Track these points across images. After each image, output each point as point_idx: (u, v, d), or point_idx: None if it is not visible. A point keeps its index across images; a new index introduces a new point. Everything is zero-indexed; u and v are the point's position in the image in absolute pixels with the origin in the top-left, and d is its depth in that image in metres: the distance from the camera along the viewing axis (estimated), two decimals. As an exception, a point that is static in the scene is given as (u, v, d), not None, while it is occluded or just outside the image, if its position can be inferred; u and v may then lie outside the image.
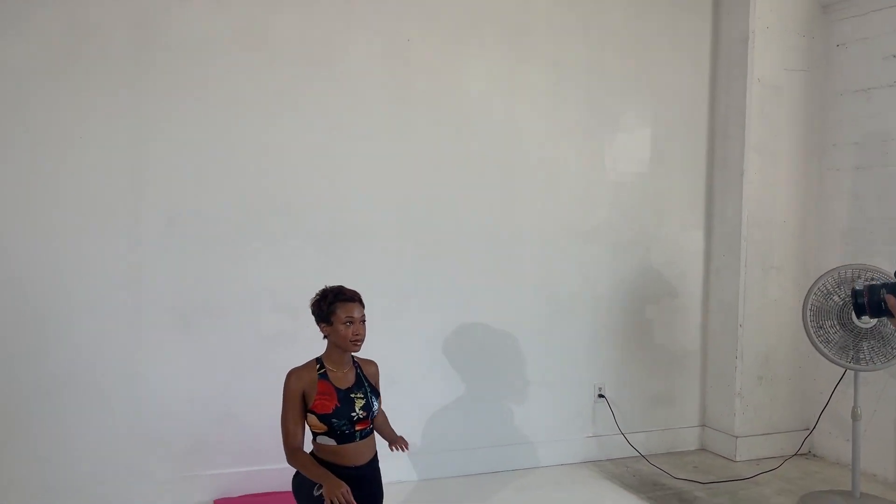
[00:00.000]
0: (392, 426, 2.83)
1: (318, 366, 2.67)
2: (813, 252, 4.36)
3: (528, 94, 3.98)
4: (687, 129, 4.39)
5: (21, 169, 3.12)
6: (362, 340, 2.66)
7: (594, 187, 4.17)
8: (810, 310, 3.51)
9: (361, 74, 3.63)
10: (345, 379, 2.67)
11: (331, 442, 2.61)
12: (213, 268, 3.41)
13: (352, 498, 2.37)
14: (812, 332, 3.50)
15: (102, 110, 3.22)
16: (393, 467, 3.48)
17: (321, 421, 2.58)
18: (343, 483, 2.40)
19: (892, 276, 3.30)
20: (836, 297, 3.47)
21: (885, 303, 1.78)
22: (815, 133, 4.34)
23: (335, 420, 2.58)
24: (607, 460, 4.20)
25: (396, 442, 2.78)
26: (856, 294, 1.84)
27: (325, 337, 2.71)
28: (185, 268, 3.37)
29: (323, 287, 2.72)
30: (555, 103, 4.04)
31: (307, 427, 2.65)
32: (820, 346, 3.48)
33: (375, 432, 2.73)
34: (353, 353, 2.73)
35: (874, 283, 1.80)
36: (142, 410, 3.31)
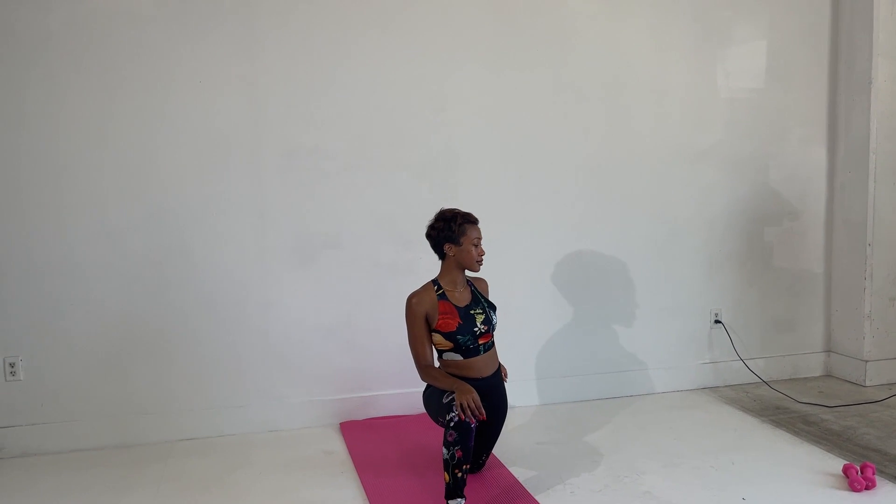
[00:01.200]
0: (499, 354, 2.91)
1: (435, 287, 2.75)
2: (951, 163, 4.05)
3: (633, 9, 3.84)
4: (807, 38, 4.13)
5: (153, 112, 3.31)
6: (482, 261, 2.78)
7: (706, 106, 4.00)
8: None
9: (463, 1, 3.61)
10: (462, 297, 2.76)
11: (457, 357, 2.71)
12: (329, 202, 3.53)
13: (480, 403, 2.45)
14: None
15: (219, 54, 3.35)
16: (509, 392, 3.57)
17: (447, 339, 2.68)
18: (472, 389, 2.49)
19: None
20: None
21: None
22: (953, 33, 3.99)
23: (460, 336, 2.67)
24: (725, 386, 4.12)
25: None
26: None
27: (443, 258, 2.79)
28: (303, 202, 3.50)
29: (440, 210, 2.80)
30: (661, 18, 3.89)
31: (434, 347, 2.75)
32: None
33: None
34: (466, 273, 2.82)
35: None
36: (271, 337, 3.51)
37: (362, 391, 3.63)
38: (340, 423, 3.58)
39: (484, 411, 2.48)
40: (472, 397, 2.46)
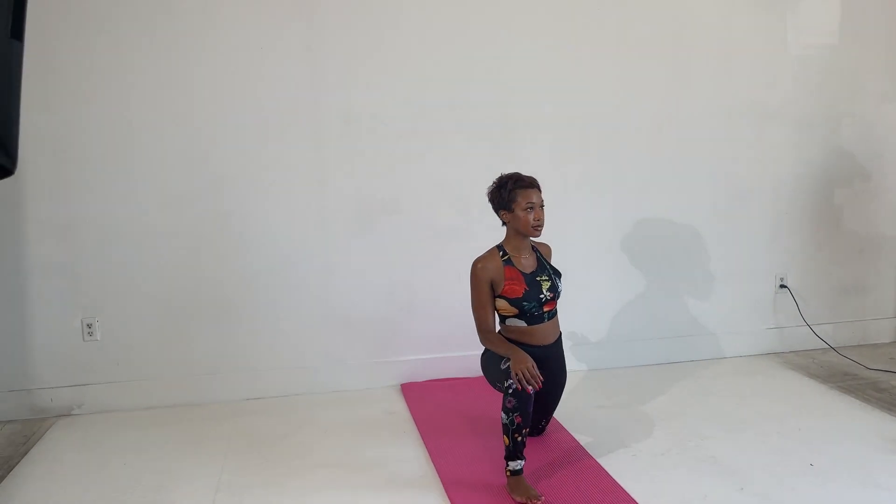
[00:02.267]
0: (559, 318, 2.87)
1: (500, 253, 2.74)
2: None
3: (699, -36, 3.72)
4: (884, -11, 3.93)
5: (217, 80, 3.36)
6: (542, 225, 2.70)
7: (775, 63, 3.86)
8: None
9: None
10: (528, 264, 2.74)
11: (521, 324, 2.71)
12: (387, 167, 3.55)
13: (537, 372, 2.45)
14: None
15: (279, 19, 3.37)
16: (571, 356, 3.56)
17: (512, 305, 2.67)
18: (529, 357, 2.48)
19: None
20: None
21: None
22: None
23: (525, 303, 2.66)
24: (790, 352, 4.03)
25: None
26: None
27: (504, 224, 2.77)
28: (361, 168, 3.53)
29: (499, 175, 2.76)
30: (729, -29, 3.75)
31: (497, 312, 2.75)
32: None
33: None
34: (531, 239, 2.79)
35: None
36: (333, 301, 3.57)
37: (422, 353, 3.68)
38: (401, 385, 3.64)
39: (541, 378, 2.46)
40: (528, 366, 2.44)
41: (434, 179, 3.59)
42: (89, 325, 3.40)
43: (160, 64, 3.31)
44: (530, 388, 2.42)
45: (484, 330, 2.70)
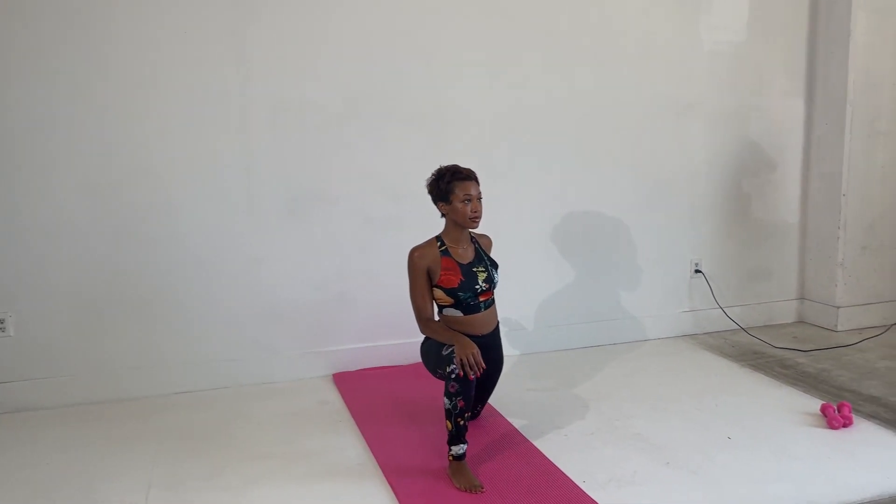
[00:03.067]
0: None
1: (438, 243, 2.77)
2: (924, 115, 4.17)
3: (620, -38, 3.85)
4: (788, -10, 4.18)
5: (135, 66, 3.24)
6: (480, 217, 2.75)
7: (689, 59, 4.04)
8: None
9: (450, -48, 3.57)
10: (465, 255, 2.78)
11: (457, 313, 2.75)
12: (317, 155, 3.51)
13: (480, 359, 2.50)
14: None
15: (203, 3, 3.28)
16: (504, 342, 3.63)
17: (448, 294, 2.71)
18: (473, 344, 2.53)
19: None
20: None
21: None
22: (930, -14, 4.07)
23: (461, 293, 2.70)
24: (704, 333, 4.26)
25: None
26: None
27: (443, 215, 2.80)
28: (291, 156, 3.48)
29: (438, 167, 2.79)
30: (647, -30, 3.89)
31: (434, 301, 2.78)
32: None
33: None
34: (472, 230, 2.83)
35: None
36: (263, 292, 3.52)
37: (355, 343, 3.68)
38: (334, 375, 3.63)
39: (483, 366, 2.52)
40: (472, 352, 2.49)
41: (366, 168, 3.58)
42: (1, 321, 3.23)
43: (76, 48, 3.16)
44: (472, 374, 2.46)
45: (423, 319, 2.73)
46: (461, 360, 2.46)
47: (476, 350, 2.50)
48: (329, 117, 3.50)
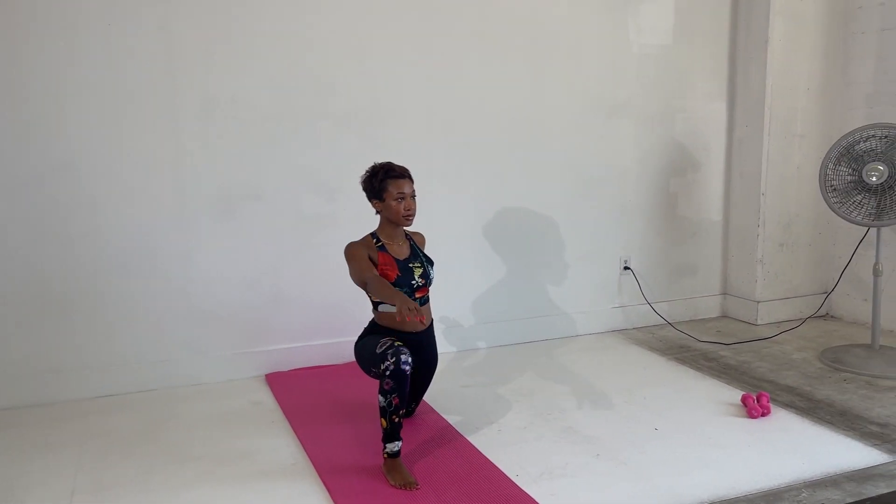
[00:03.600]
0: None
1: (374, 240, 2.77)
2: (837, 118, 4.38)
3: (552, -35, 3.91)
4: (711, -3, 4.33)
5: (57, 58, 3.11)
6: (413, 215, 2.75)
7: (619, 61, 4.15)
8: (827, 176, 3.62)
9: (384, -51, 3.56)
10: (401, 251, 2.78)
11: (392, 309, 2.73)
12: (249, 152, 3.45)
13: (420, 313, 2.40)
14: (829, 195, 3.62)
15: (128, -6, 3.18)
16: (440, 339, 3.65)
17: (385, 290, 2.69)
18: (412, 301, 2.46)
19: None
20: (848, 162, 3.56)
21: None
22: (841, -4, 4.29)
23: (397, 289, 2.69)
24: (633, 328, 4.38)
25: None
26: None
27: (377, 213, 2.79)
28: (222, 153, 3.41)
29: (372, 164, 2.79)
30: (578, -26, 3.97)
31: (369, 298, 2.77)
32: (838, 210, 3.60)
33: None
34: (406, 228, 2.83)
35: None
36: (194, 290, 3.44)
37: (288, 343, 3.63)
38: (266, 375, 3.58)
39: (422, 316, 2.42)
40: (413, 307, 2.38)
41: (299, 165, 3.54)
42: None
43: (-8, 36, 3.02)
44: (415, 316, 2.36)
45: (368, 279, 2.59)
46: (404, 309, 2.36)
47: (415, 305, 2.42)
48: (262, 114, 3.45)
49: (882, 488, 2.44)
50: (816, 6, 4.24)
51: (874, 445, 2.75)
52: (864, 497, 2.38)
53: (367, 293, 2.76)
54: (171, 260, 3.39)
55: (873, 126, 3.52)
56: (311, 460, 2.67)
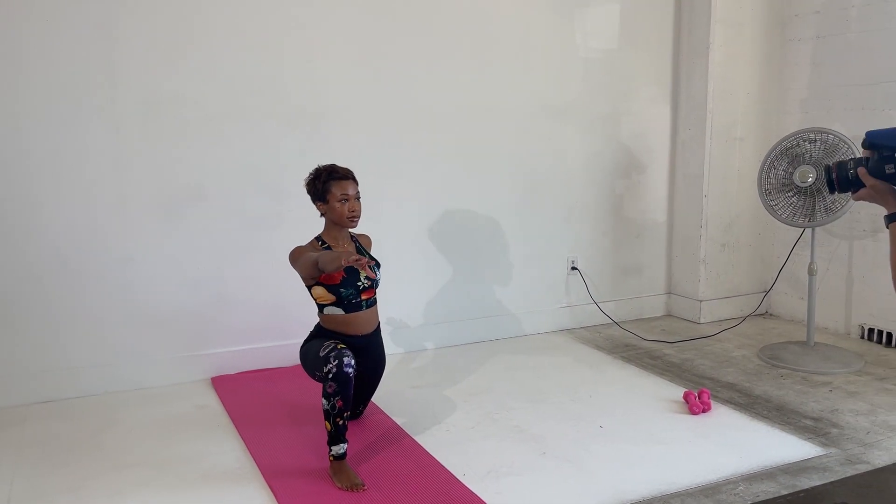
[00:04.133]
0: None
1: (319, 242, 2.75)
2: (775, 122, 4.53)
3: (499, -32, 3.94)
4: (654, 4, 4.42)
5: (-13, 53, 3.02)
6: (358, 217, 2.75)
7: (566, 64, 4.20)
8: (763, 178, 3.74)
9: (331, -52, 3.55)
10: (345, 251, 2.76)
11: (338, 312, 2.73)
12: (193, 152, 3.40)
13: (361, 257, 2.38)
14: (766, 197, 3.75)
15: (66, -11, 3.10)
16: (389, 341, 3.65)
17: (330, 292, 2.69)
18: (352, 252, 2.43)
19: (843, 137, 3.50)
20: (784, 166, 3.69)
21: (855, 174, 1.83)
22: (777, 3, 4.42)
23: (343, 290, 2.69)
24: (581, 328, 4.44)
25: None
26: (827, 170, 1.89)
27: (322, 215, 2.78)
28: (165, 152, 3.35)
29: (316, 166, 2.77)
30: (525, -23, 4.02)
31: (315, 301, 2.76)
32: (776, 212, 3.73)
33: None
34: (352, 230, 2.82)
35: (843, 159, 1.87)
36: (135, 294, 3.37)
37: (234, 345, 3.58)
38: (212, 378, 3.52)
39: (364, 260, 2.38)
40: (350, 256, 2.35)
41: (244, 165, 3.49)
42: None
43: (-80, 29, 2.91)
44: (357, 261, 2.34)
45: (317, 258, 2.51)
46: (350, 260, 2.33)
47: (350, 251, 2.41)
48: (206, 113, 3.39)
49: (815, 480, 2.53)
50: (754, 14, 4.37)
51: (808, 439, 2.85)
52: (798, 489, 2.47)
53: (315, 300, 2.75)
54: (112, 262, 3.31)
55: (807, 131, 3.65)
56: (257, 463, 2.64)
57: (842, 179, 1.81)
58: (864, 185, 1.74)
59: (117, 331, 3.36)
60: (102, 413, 3.14)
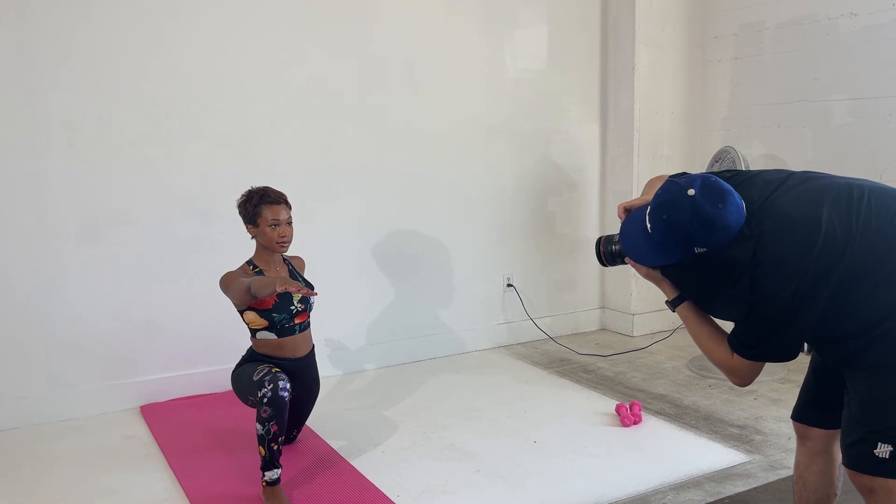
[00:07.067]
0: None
1: (251, 267, 2.72)
2: (698, 140, 4.69)
3: (427, -9, 4.00)
4: (581, 26, 4.54)
5: None
6: (289, 242, 2.73)
7: (496, 84, 4.27)
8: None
9: (259, -30, 3.53)
10: (279, 276, 2.73)
11: (271, 336, 2.69)
12: (118, 176, 3.32)
13: (296, 284, 2.39)
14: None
15: (-20, 10, 3.01)
16: (327, 362, 3.62)
17: (262, 317, 2.65)
18: (288, 279, 2.44)
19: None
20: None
21: (619, 249, 1.99)
22: (698, 26, 4.60)
23: (275, 314, 2.65)
24: (517, 344, 4.49)
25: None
26: (596, 244, 2.07)
27: (252, 238, 2.75)
28: (88, 177, 3.26)
29: (248, 188, 2.74)
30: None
31: (247, 326, 2.72)
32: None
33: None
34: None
35: (610, 234, 2.04)
36: (58, 321, 3.25)
37: (163, 372, 3.49)
38: (141, 407, 3.42)
39: (300, 287, 2.39)
40: (283, 281, 2.36)
41: (173, 189, 3.43)
42: None
43: None
44: (296, 289, 2.34)
45: (249, 283, 2.50)
46: (286, 287, 2.33)
47: (285, 277, 2.40)
48: (131, 136, 3.32)
49: (739, 487, 2.60)
50: (676, 36, 4.54)
51: (733, 447, 2.93)
52: (723, 496, 2.54)
53: (247, 324, 2.71)
54: (32, 289, 3.20)
55: (724, 150, 3.80)
56: (186, 493, 2.58)
57: (607, 253, 2.02)
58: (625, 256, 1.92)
59: (39, 360, 3.24)
60: (22, 447, 3.01)
